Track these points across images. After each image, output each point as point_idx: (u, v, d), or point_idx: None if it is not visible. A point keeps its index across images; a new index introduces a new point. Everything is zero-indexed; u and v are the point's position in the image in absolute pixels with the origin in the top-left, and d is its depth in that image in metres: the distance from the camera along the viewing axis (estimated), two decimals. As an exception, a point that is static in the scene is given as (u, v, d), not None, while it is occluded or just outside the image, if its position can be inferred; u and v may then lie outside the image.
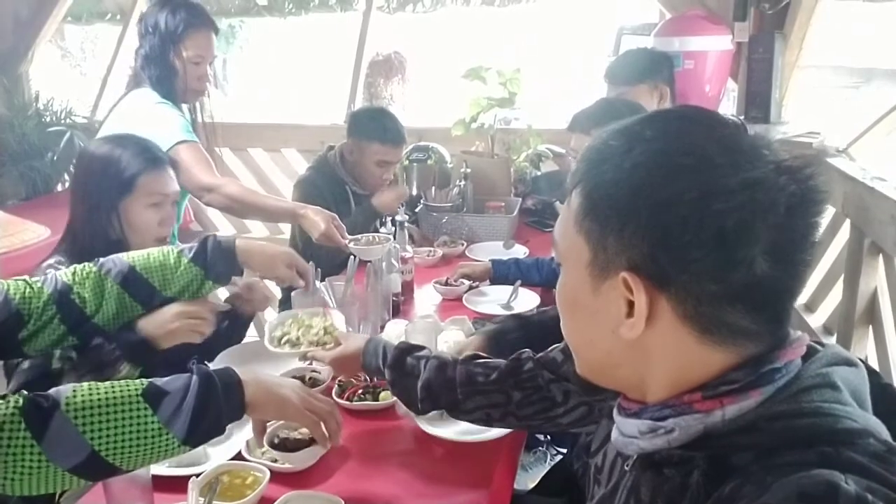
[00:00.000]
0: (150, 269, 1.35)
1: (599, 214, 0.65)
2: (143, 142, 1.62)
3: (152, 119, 2.00)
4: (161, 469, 1.19)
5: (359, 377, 1.55)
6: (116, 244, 1.54)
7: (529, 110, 2.96)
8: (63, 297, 1.28)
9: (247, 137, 3.68)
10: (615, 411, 0.74)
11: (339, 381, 1.53)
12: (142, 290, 1.34)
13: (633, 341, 0.65)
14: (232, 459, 1.25)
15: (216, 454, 1.28)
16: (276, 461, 1.24)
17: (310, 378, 1.54)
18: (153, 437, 0.93)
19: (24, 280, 1.30)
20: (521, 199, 2.82)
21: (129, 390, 0.95)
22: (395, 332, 1.75)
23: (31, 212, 3.06)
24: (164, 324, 1.36)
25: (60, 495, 1.59)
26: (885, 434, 0.60)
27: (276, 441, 1.25)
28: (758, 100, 2.67)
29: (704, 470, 0.62)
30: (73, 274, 1.32)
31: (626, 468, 0.75)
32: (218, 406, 0.98)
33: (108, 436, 0.91)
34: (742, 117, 2.73)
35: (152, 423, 0.94)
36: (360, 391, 1.49)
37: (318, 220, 1.91)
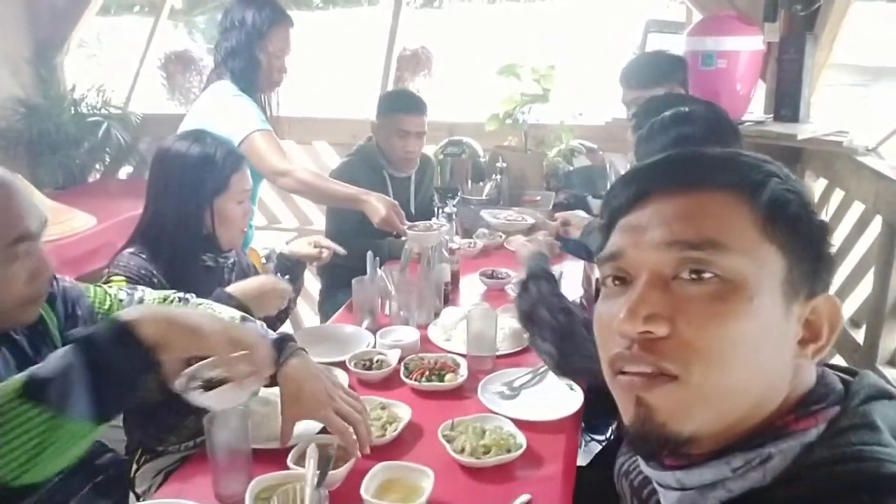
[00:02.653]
0: None
1: (800, 226, 0.62)
2: (226, 141, 1.70)
3: (230, 110, 2.17)
4: (257, 443, 1.27)
5: (422, 359, 1.64)
6: (206, 238, 1.63)
7: (562, 105, 3.03)
8: None
9: (277, 130, 3.75)
10: (646, 466, 0.68)
11: (405, 363, 1.62)
12: None
13: (799, 365, 0.63)
14: (319, 433, 1.32)
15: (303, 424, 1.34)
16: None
17: (377, 360, 1.62)
18: (50, 431, 0.80)
19: (110, 295, 1.25)
20: (554, 193, 2.90)
21: (2, 395, 0.82)
22: (450, 319, 1.83)
23: (68, 200, 3.14)
24: (251, 291, 1.50)
25: (136, 470, 1.68)
26: None
27: (193, 383, 1.01)
28: (787, 99, 2.74)
29: None
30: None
31: None
32: (116, 364, 0.85)
33: None
34: (772, 115, 2.80)
35: (43, 419, 0.80)
36: (426, 372, 1.58)
37: (379, 205, 2.04)
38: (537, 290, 1.48)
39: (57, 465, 0.83)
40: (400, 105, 2.58)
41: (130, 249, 1.59)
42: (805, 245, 0.62)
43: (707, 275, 0.59)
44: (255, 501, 1.12)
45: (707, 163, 0.66)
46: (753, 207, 0.61)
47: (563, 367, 1.40)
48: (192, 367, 0.93)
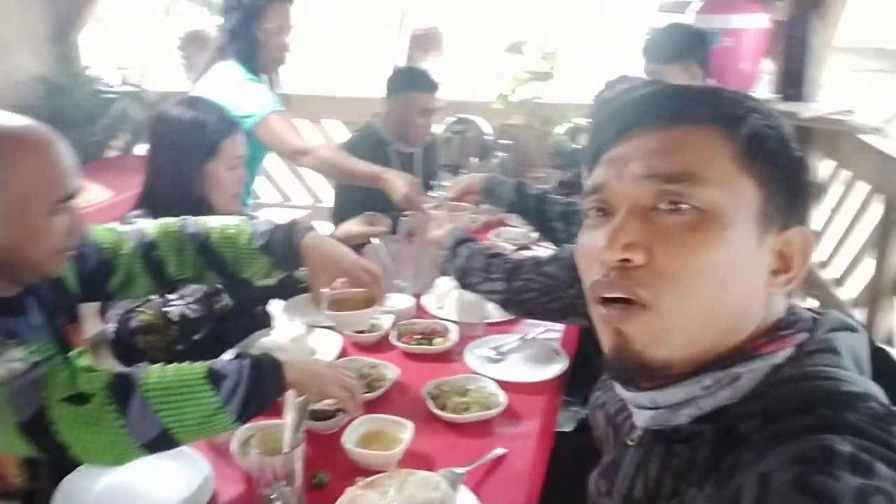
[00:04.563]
0: (223, 243, 1.35)
1: (778, 160, 0.64)
2: (221, 107, 1.73)
3: (243, 93, 2.16)
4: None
5: (414, 325, 1.69)
6: (199, 201, 1.67)
7: (568, 84, 3.05)
8: (148, 253, 1.32)
9: (291, 108, 3.79)
10: (623, 389, 0.71)
11: (397, 327, 1.67)
12: (215, 261, 1.36)
13: (770, 294, 0.65)
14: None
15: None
16: None
17: (370, 324, 1.67)
18: (213, 415, 1.01)
19: (112, 230, 1.33)
20: (559, 171, 2.92)
21: (194, 372, 1.03)
22: (444, 288, 1.87)
23: (85, 175, 3.20)
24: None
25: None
26: (883, 398, 0.60)
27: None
28: (793, 77, 2.73)
29: (712, 443, 0.62)
30: (160, 230, 1.34)
31: (630, 443, 0.74)
32: (265, 388, 1.08)
33: (177, 414, 0.99)
34: (781, 95, 2.80)
35: (213, 402, 1.01)
36: (416, 336, 1.63)
37: (399, 183, 2.03)
38: (468, 248, 1.54)
39: (194, 440, 1.07)
40: (420, 84, 2.60)
41: (136, 212, 1.66)
42: (782, 179, 0.64)
43: (684, 206, 0.61)
44: (240, 446, 1.18)
45: (688, 98, 0.67)
46: (732, 141, 0.63)
47: (514, 301, 1.43)
48: (301, 398, 1.13)
